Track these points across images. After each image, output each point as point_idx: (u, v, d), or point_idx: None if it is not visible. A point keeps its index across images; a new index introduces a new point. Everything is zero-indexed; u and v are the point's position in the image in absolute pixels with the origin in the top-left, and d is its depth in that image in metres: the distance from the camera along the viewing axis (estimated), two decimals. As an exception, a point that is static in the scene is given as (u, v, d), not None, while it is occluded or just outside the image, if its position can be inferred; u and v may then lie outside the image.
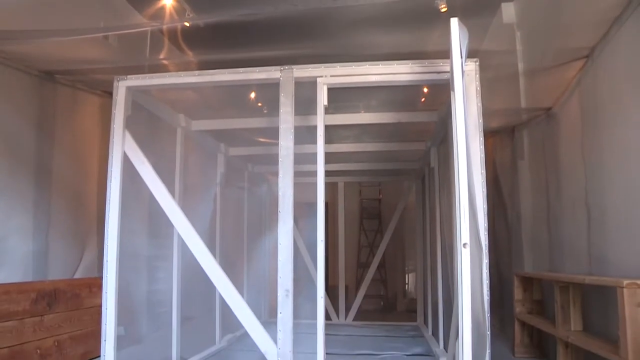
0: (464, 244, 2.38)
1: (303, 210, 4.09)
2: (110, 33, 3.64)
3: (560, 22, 3.25)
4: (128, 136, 3.41)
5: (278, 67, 3.30)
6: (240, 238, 6.21)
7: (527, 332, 4.47)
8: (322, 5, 3.23)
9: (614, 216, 3.21)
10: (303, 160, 3.37)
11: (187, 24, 3.58)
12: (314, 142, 3.17)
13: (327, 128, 3.53)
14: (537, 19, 3.44)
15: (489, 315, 2.79)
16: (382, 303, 8.87)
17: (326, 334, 3.08)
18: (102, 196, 3.40)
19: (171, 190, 3.66)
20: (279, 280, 3.09)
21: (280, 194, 3.17)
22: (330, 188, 7.32)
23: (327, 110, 3.32)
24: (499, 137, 5.69)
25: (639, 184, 2.87)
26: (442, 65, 3.12)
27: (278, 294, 3.09)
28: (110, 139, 3.40)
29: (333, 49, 3.66)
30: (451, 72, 2.60)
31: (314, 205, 3.08)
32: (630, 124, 2.95)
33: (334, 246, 7.21)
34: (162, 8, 3.57)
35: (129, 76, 3.46)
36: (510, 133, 5.29)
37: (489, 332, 2.78)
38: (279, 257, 3.12)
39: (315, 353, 3.03)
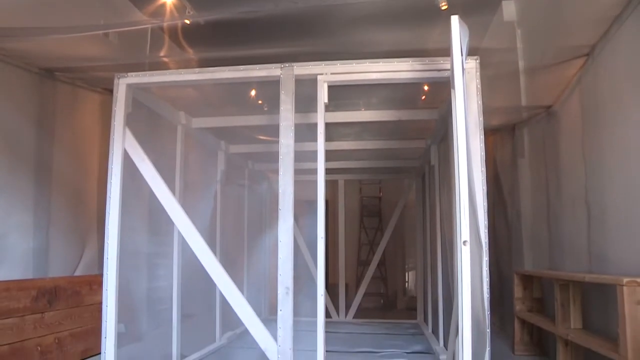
0: (464, 242, 2.38)
1: (303, 207, 4.10)
2: (110, 30, 3.63)
3: (560, 20, 3.25)
4: (128, 133, 3.41)
5: (278, 65, 3.30)
6: (240, 235, 6.21)
7: (527, 329, 4.48)
8: (323, 3, 3.22)
9: (614, 214, 3.21)
10: (303, 157, 3.38)
11: (187, 21, 3.56)
12: (315, 139, 3.17)
13: (328, 126, 3.54)
14: (537, 17, 3.44)
15: (489, 313, 2.79)
16: (382, 301, 8.86)
17: (326, 332, 3.08)
18: (103, 194, 3.41)
19: (171, 188, 3.65)
20: (279, 278, 3.10)
21: (280, 191, 3.17)
22: (330, 186, 7.31)
23: (328, 107, 3.31)
24: (500, 135, 5.69)
25: (639, 182, 2.87)
26: (442, 62, 3.12)
27: (278, 292, 3.09)
28: (111, 136, 3.40)
29: (333, 46, 3.66)
30: (452, 69, 2.60)
31: (314, 202, 3.08)
32: (630, 122, 2.95)
33: (334, 244, 7.21)
34: (163, 5, 3.57)
35: (129, 74, 3.45)
36: (511, 131, 5.29)
37: (488, 330, 2.78)
38: (279, 255, 3.12)
39: (316, 350, 3.03)
